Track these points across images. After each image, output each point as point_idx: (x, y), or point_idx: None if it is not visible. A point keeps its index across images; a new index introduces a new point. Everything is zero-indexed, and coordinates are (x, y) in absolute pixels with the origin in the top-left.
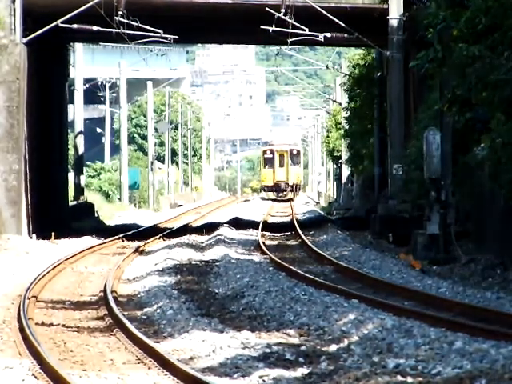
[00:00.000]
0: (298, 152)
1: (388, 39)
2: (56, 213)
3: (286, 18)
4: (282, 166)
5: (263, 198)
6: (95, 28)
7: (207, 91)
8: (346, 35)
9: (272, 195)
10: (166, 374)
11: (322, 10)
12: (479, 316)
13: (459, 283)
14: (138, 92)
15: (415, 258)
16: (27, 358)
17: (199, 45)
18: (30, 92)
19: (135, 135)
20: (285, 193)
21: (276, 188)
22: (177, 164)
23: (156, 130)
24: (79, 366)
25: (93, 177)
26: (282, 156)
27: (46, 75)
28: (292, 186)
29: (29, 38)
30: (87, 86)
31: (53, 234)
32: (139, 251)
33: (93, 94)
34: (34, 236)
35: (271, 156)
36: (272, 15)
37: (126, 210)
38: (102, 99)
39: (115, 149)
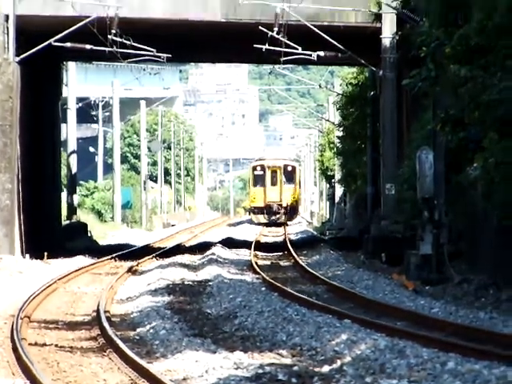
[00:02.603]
0: (294, 168)
1: (381, 58)
2: (49, 232)
3: (279, 37)
4: (274, 184)
5: (251, 223)
6: (88, 47)
7: (200, 110)
8: (339, 54)
9: (263, 219)
10: None
11: (314, 29)
12: (472, 336)
13: (452, 303)
14: (131, 111)
15: (408, 278)
16: (20, 378)
17: (192, 64)
18: (23, 111)
19: (128, 154)
20: (277, 216)
21: (267, 210)
22: (170, 183)
23: (149, 149)
24: None
25: (86, 196)
26: (274, 173)
27: (39, 94)
28: (286, 208)
29: (22, 56)
30: (80, 104)
31: (46, 253)
32: (132, 271)
33: (86, 113)
34: (27, 256)
35: (262, 173)
36: (265, 34)
37: (119, 229)
38: (95, 118)
39: (108, 168)
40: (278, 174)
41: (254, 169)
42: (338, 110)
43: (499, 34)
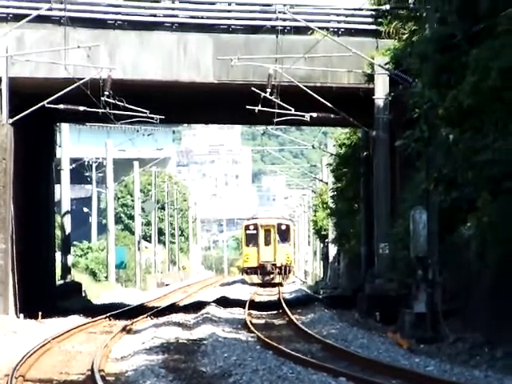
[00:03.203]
0: (288, 227)
1: (374, 119)
2: (43, 292)
3: (272, 98)
4: (268, 244)
5: (244, 283)
6: (81, 108)
7: (193, 171)
8: (331, 115)
9: (256, 279)
10: None
11: (307, 90)
12: None
13: (447, 361)
14: (125, 172)
15: (403, 336)
16: None
17: (185, 125)
18: (17, 172)
19: (122, 215)
20: (272, 276)
21: (261, 270)
22: (164, 243)
23: (143, 209)
24: None
25: (80, 256)
26: (267, 232)
27: (32, 155)
28: (280, 268)
29: (15, 118)
30: (74, 165)
31: (40, 313)
32: (126, 330)
33: (79, 174)
34: (22, 315)
35: (255, 232)
36: (258, 95)
37: (113, 288)
38: (89, 179)
39: (102, 228)
40: (272, 232)
41: (247, 228)
42: (331, 172)
43: (492, 96)
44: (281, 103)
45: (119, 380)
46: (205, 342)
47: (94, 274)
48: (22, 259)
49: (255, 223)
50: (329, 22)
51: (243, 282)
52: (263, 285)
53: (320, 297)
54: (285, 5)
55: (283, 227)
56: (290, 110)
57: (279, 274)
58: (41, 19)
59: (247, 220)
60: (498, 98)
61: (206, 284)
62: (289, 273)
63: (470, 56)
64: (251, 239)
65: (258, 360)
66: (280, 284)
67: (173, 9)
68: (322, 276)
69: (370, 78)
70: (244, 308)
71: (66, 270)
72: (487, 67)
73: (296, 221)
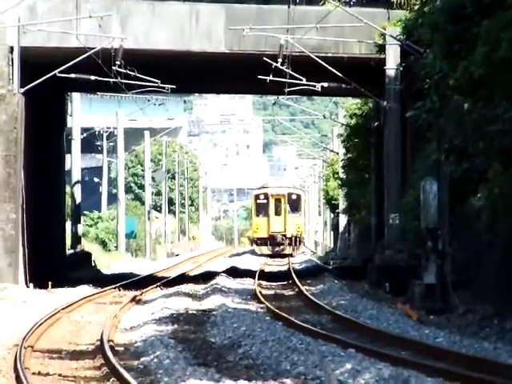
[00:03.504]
0: (299, 197)
1: (385, 89)
2: (53, 262)
3: (284, 68)
4: (278, 214)
5: (254, 253)
6: (93, 78)
7: (204, 141)
8: (342, 85)
9: (266, 250)
10: None
11: (319, 60)
12: (476, 366)
13: (456, 333)
14: (136, 141)
15: (412, 307)
16: None
17: (196, 94)
18: (28, 141)
19: (132, 184)
20: (282, 247)
21: (271, 241)
22: (174, 213)
23: (153, 179)
24: None
25: (90, 226)
26: (278, 201)
27: (43, 124)
28: (291, 239)
29: (26, 87)
30: (84, 135)
31: (50, 283)
32: (136, 300)
33: (90, 144)
34: (31, 285)
35: (265, 202)
36: (269, 65)
37: (123, 258)
38: (100, 149)
39: (112, 198)
40: (282, 202)
41: (257, 197)
42: (342, 142)
43: (503, 67)
44: (292, 73)
45: (128, 350)
46: (214, 312)
47: (104, 244)
48: (32, 229)
49: (265, 192)
50: None
51: (253, 252)
52: (273, 256)
53: (330, 267)
54: None
55: (294, 197)
56: (302, 80)
57: (289, 244)
58: None
59: (257, 189)
60: (508, 68)
61: (216, 254)
62: (299, 244)
63: (482, 27)
64: (261, 209)
65: (267, 331)
66: (290, 255)
67: None
68: (332, 246)
69: (382, 48)
70: (254, 279)
71: (76, 239)
72: (498, 38)
73: (306, 191)
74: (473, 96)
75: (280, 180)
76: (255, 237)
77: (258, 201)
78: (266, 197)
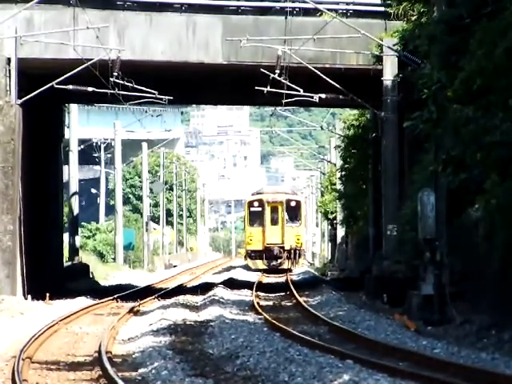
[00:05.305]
0: (298, 204)
1: (382, 100)
2: (51, 273)
3: (281, 79)
4: (275, 223)
5: (247, 268)
6: (90, 89)
7: (202, 152)
8: (340, 96)
9: (261, 264)
10: None
11: (316, 71)
12: (474, 377)
13: (454, 344)
14: (133, 153)
15: (410, 318)
16: None
17: (194, 106)
18: (25, 153)
19: (130, 196)
20: (279, 261)
21: (267, 254)
22: (172, 224)
23: (151, 190)
24: None
25: (88, 237)
26: (275, 209)
27: (41, 136)
28: (289, 252)
29: (24, 99)
30: (82, 146)
31: (47, 294)
32: (134, 312)
33: (88, 155)
34: (29, 297)
35: (260, 209)
36: (266, 76)
37: (121, 270)
38: (97, 160)
39: (110, 209)
40: (280, 210)
41: (251, 204)
42: (339, 153)
43: (498, 75)
44: (289, 84)
45: (126, 362)
46: (212, 323)
47: (101, 256)
48: (29, 240)
49: (260, 199)
50: (337, 3)
51: (246, 267)
52: (269, 271)
53: (327, 279)
54: None
55: (293, 204)
56: (299, 91)
57: (288, 258)
58: (50, 0)
59: (251, 195)
60: (504, 76)
61: (214, 266)
62: (299, 257)
63: (476, 34)
64: (256, 218)
65: (265, 342)
66: (289, 270)
67: None
68: (329, 258)
69: (379, 59)
70: (251, 290)
71: (74, 251)
72: (493, 45)
73: (304, 202)
74: (471, 106)
75: (276, 185)
76: (249, 249)
77: (252, 208)
78: (261, 204)
